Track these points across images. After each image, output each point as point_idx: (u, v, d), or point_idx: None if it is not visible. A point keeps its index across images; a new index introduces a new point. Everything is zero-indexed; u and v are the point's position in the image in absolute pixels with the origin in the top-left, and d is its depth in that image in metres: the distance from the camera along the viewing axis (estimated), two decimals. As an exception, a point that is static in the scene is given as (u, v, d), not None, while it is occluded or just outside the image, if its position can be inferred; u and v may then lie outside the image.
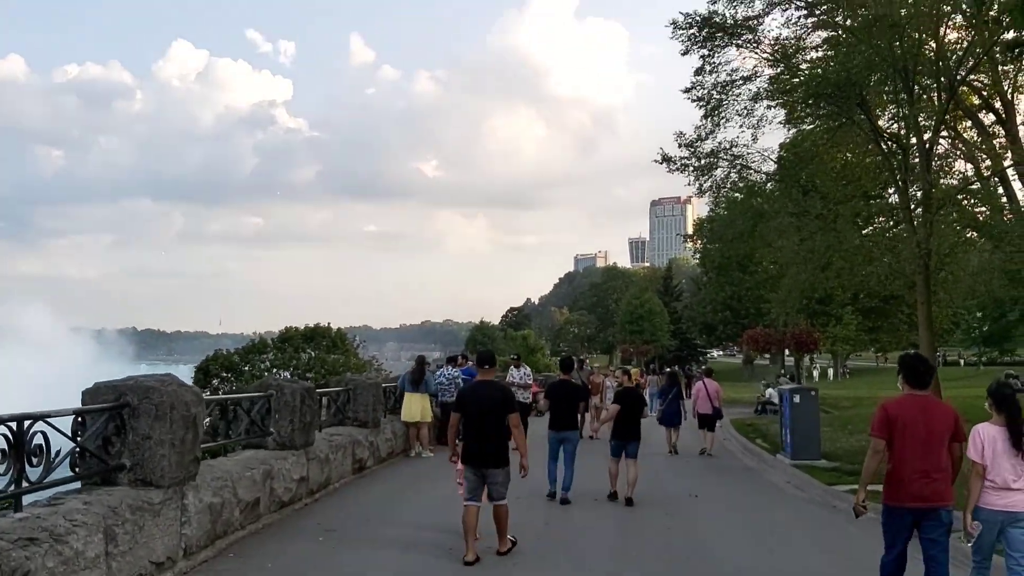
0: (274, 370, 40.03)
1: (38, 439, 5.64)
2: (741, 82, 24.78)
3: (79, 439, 6.30)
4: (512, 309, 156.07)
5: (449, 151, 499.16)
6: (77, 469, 6.28)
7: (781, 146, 27.68)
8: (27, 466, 5.57)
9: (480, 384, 8.94)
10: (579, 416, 13.93)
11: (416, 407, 17.96)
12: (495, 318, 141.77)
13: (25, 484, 5.55)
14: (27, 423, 5.49)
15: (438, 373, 20.54)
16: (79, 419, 6.32)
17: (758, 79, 24.54)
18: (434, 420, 19.02)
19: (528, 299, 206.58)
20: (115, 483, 6.90)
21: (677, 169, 26.01)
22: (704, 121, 25.69)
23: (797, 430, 17.93)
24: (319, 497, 12.00)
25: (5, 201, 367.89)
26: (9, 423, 5.32)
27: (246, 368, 40.28)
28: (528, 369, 22.43)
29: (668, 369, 27.67)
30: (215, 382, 39.85)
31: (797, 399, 18.13)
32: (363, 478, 14.47)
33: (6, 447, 5.37)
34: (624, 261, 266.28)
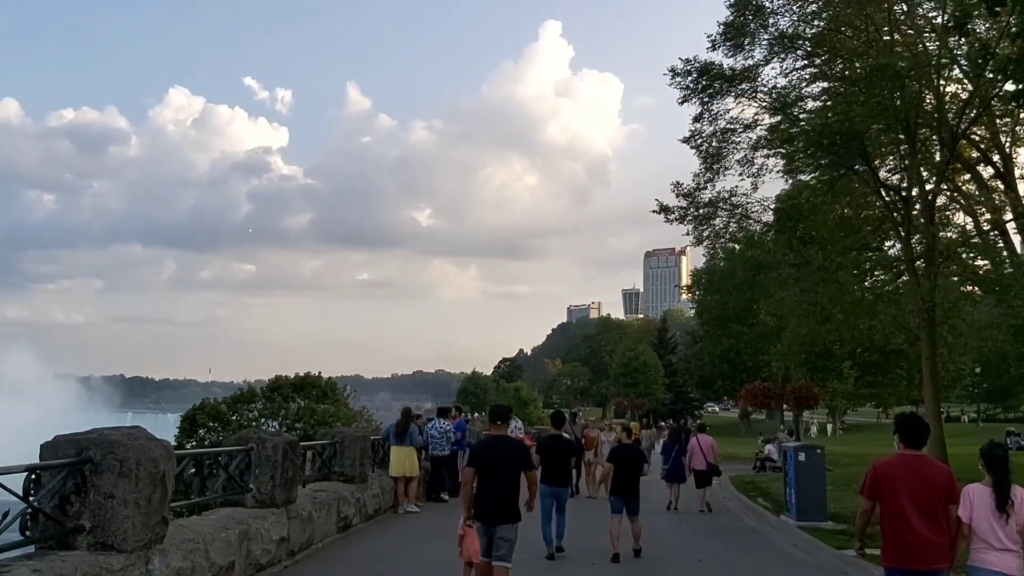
0: (262, 420, 39.34)
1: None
2: (741, 130, 24.59)
3: (31, 499, 5.67)
4: (504, 360, 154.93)
5: (442, 200, 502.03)
6: (28, 532, 5.64)
7: (778, 198, 27.42)
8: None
9: (495, 440, 8.87)
10: (572, 472, 13.50)
11: (404, 461, 17.29)
12: (487, 368, 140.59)
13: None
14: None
15: (429, 425, 19.94)
16: (32, 476, 5.70)
17: (758, 127, 24.34)
18: (423, 474, 18.34)
19: (520, 350, 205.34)
20: (73, 547, 6.26)
21: (675, 219, 25.70)
22: (703, 170, 25.47)
23: (802, 490, 17.26)
24: (300, 559, 11.27)
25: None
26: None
27: (234, 417, 39.54)
28: (520, 422, 21.81)
29: (670, 424, 26.96)
30: (201, 432, 39.02)
31: (802, 457, 17.48)
32: (348, 537, 13.74)
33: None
34: (618, 312, 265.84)
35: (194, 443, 38.21)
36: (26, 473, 5.61)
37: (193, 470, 8.91)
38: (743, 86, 24.37)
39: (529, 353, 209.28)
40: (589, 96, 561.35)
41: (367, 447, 15.98)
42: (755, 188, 25.20)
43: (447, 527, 15.52)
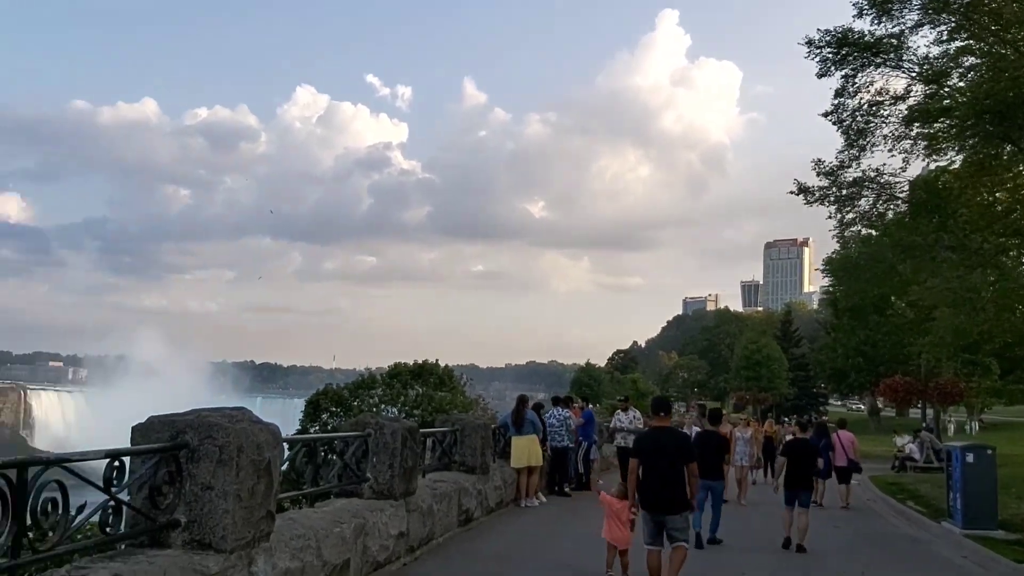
0: (382, 406, 39.78)
1: (51, 492, 4.23)
2: (890, 102, 22.40)
3: (113, 489, 4.87)
4: (619, 351, 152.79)
5: (555, 192, 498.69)
6: (109, 528, 4.85)
7: (923, 179, 24.96)
8: (36, 527, 4.17)
9: (659, 431, 9.21)
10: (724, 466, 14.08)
11: (526, 451, 16.35)
12: (601, 360, 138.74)
13: (30, 554, 4.12)
14: (32, 471, 4.10)
15: (548, 414, 18.99)
16: (114, 463, 4.89)
17: (911, 97, 22.10)
18: (544, 466, 17.42)
19: (634, 342, 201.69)
20: (166, 544, 5.49)
21: (816, 200, 23.76)
22: (845, 147, 23.44)
23: (969, 494, 15.40)
24: (420, 555, 10.41)
25: (133, 238, 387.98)
26: (7, 471, 3.93)
27: (355, 403, 40.17)
28: (637, 412, 20.70)
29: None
30: (324, 416, 39.75)
31: (970, 458, 15.58)
32: (470, 531, 12.87)
33: (3, 502, 3.97)
34: (735, 304, 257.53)
35: (317, 427, 38.94)
36: (108, 461, 4.81)
37: (306, 457, 8.11)
38: (889, 56, 22.20)
39: (643, 345, 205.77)
40: (706, 85, 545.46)
41: (488, 436, 15.09)
42: (906, 166, 23.00)
43: (574, 523, 14.63)
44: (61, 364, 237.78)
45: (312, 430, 39.13)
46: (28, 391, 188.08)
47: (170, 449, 5.46)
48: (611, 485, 10.77)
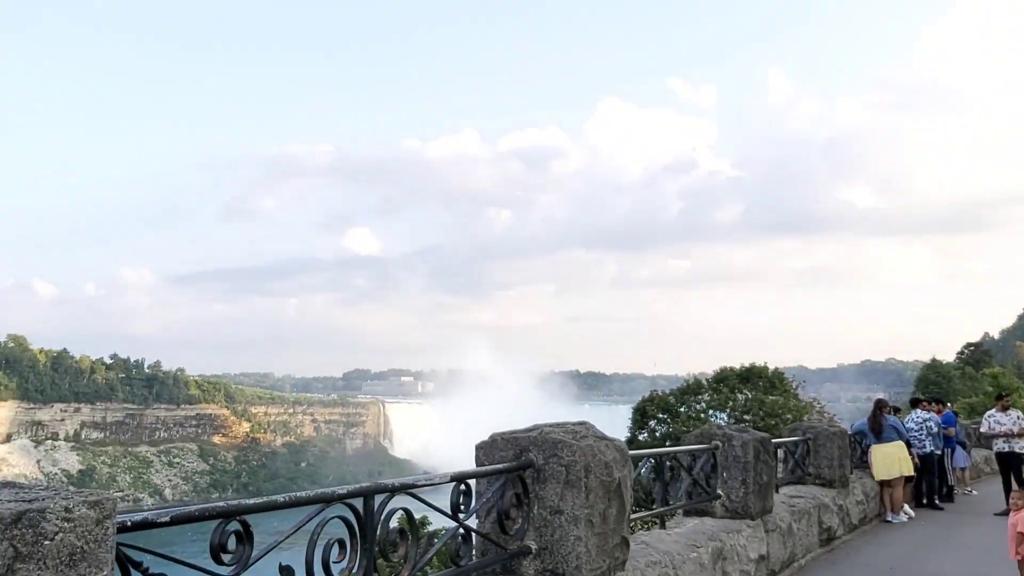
0: (710, 411, 38.80)
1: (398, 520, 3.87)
2: None
3: (461, 516, 4.46)
4: (968, 345, 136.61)
5: (877, 177, 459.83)
6: (460, 559, 4.43)
7: None
8: (385, 559, 3.82)
9: None
10: None
11: (892, 460, 14.48)
12: (947, 355, 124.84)
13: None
14: (379, 497, 3.75)
15: (907, 419, 16.93)
16: (460, 487, 4.48)
17: None
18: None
19: (986, 333, 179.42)
20: (518, 574, 5.02)
21: None
22: None
23: None
24: (782, 581, 9.30)
25: (464, 259, 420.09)
26: (352, 500, 3.60)
27: (682, 409, 39.62)
28: (1020, 412, 17.52)
29: None
30: (652, 423, 39.51)
31: None
32: (833, 552, 11.47)
33: (350, 532, 3.65)
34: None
35: (645, 435, 38.83)
36: (454, 485, 4.41)
37: (652, 473, 7.40)
38: None
39: (996, 336, 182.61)
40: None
41: (845, 445, 13.52)
42: None
43: (954, 540, 12.67)
44: (411, 379, 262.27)
45: (640, 438, 39.11)
46: (386, 404, 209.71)
47: (515, 469, 4.99)
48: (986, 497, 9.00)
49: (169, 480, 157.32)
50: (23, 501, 2.31)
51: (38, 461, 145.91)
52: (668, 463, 7.91)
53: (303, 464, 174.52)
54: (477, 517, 4.88)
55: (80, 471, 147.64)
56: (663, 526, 7.86)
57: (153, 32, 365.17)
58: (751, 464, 8.78)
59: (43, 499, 2.34)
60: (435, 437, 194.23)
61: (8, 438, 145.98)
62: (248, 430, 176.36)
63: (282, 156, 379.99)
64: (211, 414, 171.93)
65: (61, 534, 2.29)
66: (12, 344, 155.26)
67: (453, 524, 4.47)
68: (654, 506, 7.45)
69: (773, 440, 10.37)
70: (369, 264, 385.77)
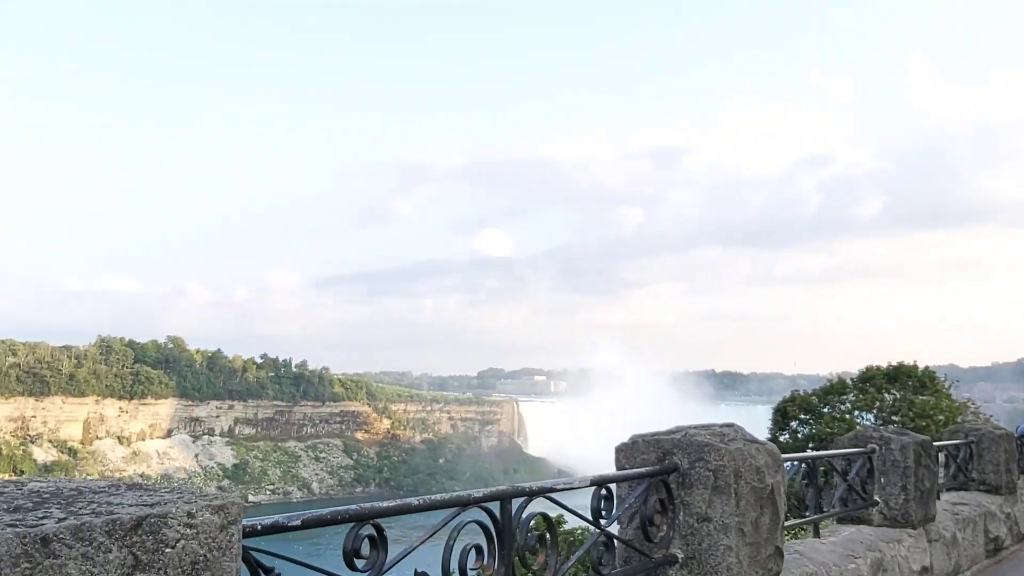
0: (855, 412, 37.21)
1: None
2: None
3: (603, 522, 4.22)
4: None
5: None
6: (603, 567, 4.19)
7: None
8: (524, 566, 3.63)
9: None
10: None
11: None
12: None
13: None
14: (517, 501, 3.56)
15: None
16: (601, 491, 4.25)
17: None
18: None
19: None
20: (664, 583, 4.74)
21: None
22: None
23: None
24: (947, 596, 8.60)
25: (593, 259, 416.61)
26: (488, 504, 3.43)
27: (825, 409, 38.16)
28: None
29: None
30: (793, 424, 38.13)
31: None
32: (1000, 563, 10.58)
33: (487, 537, 3.48)
34: None
35: (787, 436, 37.45)
36: (594, 489, 4.18)
37: (805, 478, 6.94)
38: None
39: None
40: None
41: (1012, 448, 12.44)
42: None
43: None
44: (544, 378, 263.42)
45: (781, 439, 37.73)
46: (519, 403, 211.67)
47: (659, 474, 4.71)
48: None
49: (316, 474, 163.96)
50: (144, 505, 2.18)
51: (196, 455, 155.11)
52: (821, 467, 7.41)
53: (441, 460, 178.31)
54: (619, 523, 4.64)
55: (234, 465, 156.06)
56: (816, 534, 7.37)
57: (295, 46, 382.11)
58: (911, 469, 8.14)
59: (165, 503, 2.21)
60: (568, 436, 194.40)
61: (169, 433, 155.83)
62: (389, 427, 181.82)
63: (416, 161, 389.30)
64: (354, 411, 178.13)
65: (183, 541, 2.14)
66: (171, 345, 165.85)
67: (593, 528, 4.24)
68: (807, 513, 6.97)
69: (934, 443, 9.62)
70: (500, 265, 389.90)
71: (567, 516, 4.89)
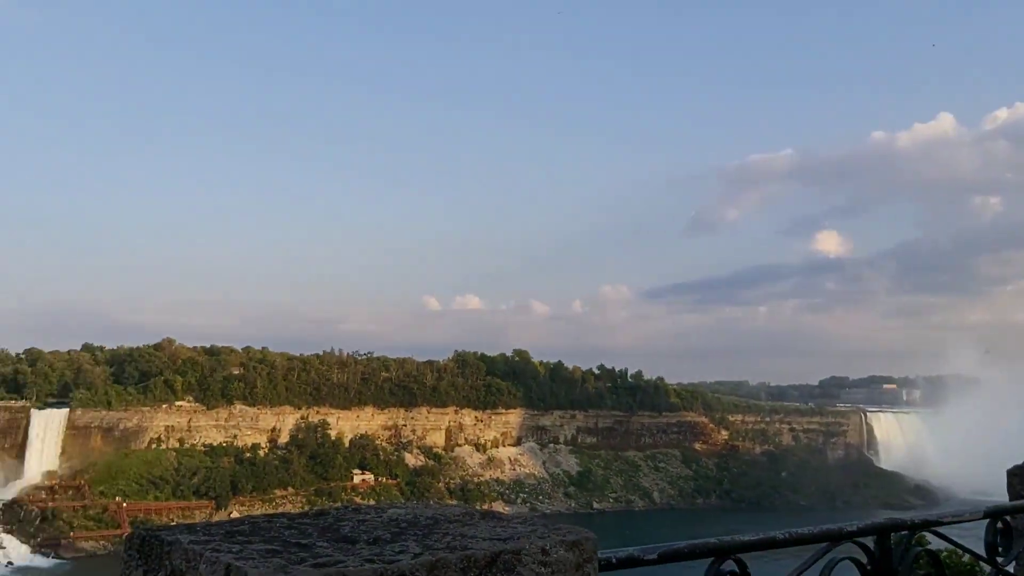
0: None
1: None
2: None
3: (1000, 560, 3.69)
4: None
5: None
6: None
7: None
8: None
9: None
10: None
11: None
12: None
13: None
14: (896, 535, 3.23)
15: None
16: (997, 524, 3.72)
17: None
18: None
19: None
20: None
21: None
22: None
23: None
24: None
25: (944, 255, 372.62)
26: (863, 538, 3.13)
27: None
28: None
29: None
30: None
31: None
32: None
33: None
34: None
35: None
36: (987, 521, 3.68)
37: None
38: None
39: None
40: None
41: None
42: None
43: None
44: (894, 386, 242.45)
45: None
46: (867, 413, 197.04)
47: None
48: None
49: (656, 484, 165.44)
50: (498, 539, 2.16)
51: (543, 462, 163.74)
52: None
53: (784, 474, 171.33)
54: (1017, 562, 4.05)
55: (579, 472, 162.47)
56: None
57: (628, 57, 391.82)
58: None
59: (518, 536, 2.17)
60: (926, 449, 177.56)
61: (518, 441, 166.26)
62: (727, 437, 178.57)
63: (743, 166, 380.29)
64: (691, 421, 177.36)
65: (537, 579, 2.06)
66: (517, 358, 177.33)
67: (986, 567, 3.74)
68: None
69: None
70: (837, 267, 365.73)
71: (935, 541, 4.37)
